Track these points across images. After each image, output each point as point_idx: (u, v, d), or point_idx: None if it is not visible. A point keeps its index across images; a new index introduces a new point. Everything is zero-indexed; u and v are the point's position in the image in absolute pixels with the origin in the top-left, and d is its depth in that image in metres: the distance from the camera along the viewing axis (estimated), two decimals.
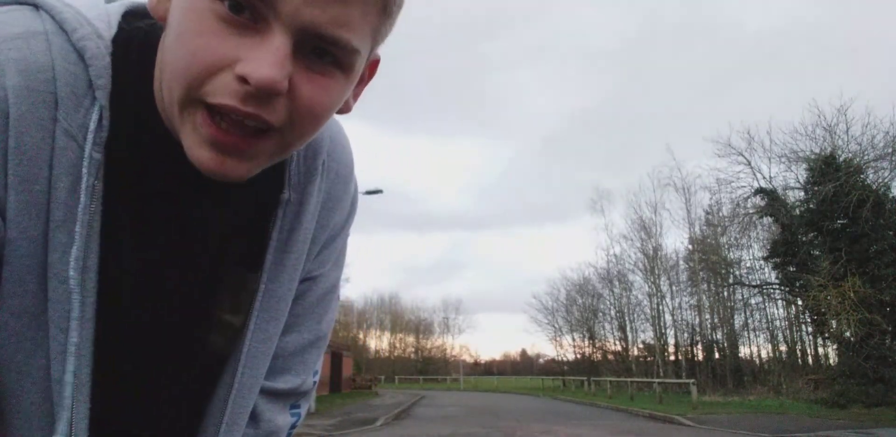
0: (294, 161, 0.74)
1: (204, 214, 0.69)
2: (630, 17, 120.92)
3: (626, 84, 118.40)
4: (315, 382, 0.90)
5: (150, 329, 0.69)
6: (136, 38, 0.66)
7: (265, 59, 0.53)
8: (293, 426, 0.88)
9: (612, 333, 45.97)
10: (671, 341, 39.17)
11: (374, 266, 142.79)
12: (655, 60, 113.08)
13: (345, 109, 0.67)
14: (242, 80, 0.53)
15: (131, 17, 0.68)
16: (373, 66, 0.68)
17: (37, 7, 0.63)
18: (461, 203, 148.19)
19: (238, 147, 0.57)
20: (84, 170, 0.59)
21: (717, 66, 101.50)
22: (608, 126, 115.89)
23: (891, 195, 21.46)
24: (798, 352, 31.85)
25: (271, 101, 0.55)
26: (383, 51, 0.67)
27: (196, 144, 0.57)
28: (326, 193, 0.80)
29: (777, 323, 33.68)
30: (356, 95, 0.69)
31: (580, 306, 49.11)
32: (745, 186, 26.71)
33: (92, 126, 0.59)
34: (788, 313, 31.91)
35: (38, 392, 0.61)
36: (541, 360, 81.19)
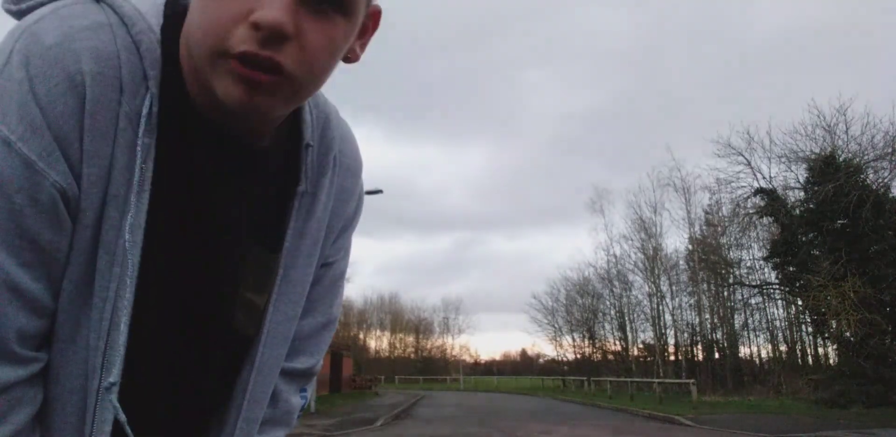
0: (309, 157, 0.81)
1: (233, 195, 0.75)
2: (640, 18, 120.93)
3: (633, 84, 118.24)
4: (321, 365, 0.97)
5: (182, 303, 0.74)
6: (173, 25, 0.71)
7: (273, 5, 0.60)
8: (302, 408, 0.95)
9: (612, 333, 46.04)
10: (671, 341, 39.23)
11: (375, 266, 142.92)
12: (662, 60, 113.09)
13: (353, 58, 0.74)
14: (256, 26, 0.61)
15: (172, 2, 0.74)
16: (375, 17, 0.75)
17: (97, 0, 0.69)
18: (465, 203, 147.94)
19: (262, 82, 0.63)
20: (138, 151, 0.65)
21: (720, 66, 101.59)
22: (614, 126, 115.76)
23: (891, 195, 21.46)
24: (798, 352, 31.90)
25: (283, 45, 0.62)
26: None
27: (229, 85, 0.63)
28: (339, 186, 0.87)
29: (777, 323, 33.77)
30: (362, 46, 0.75)
31: (580, 306, 49.17)
32: (745, 186, 26.73)
33: (144, 112, 0.66)
34: (788, 313, 31.95)
35: (79, 363, 0.66)
36: (541, 360, 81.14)
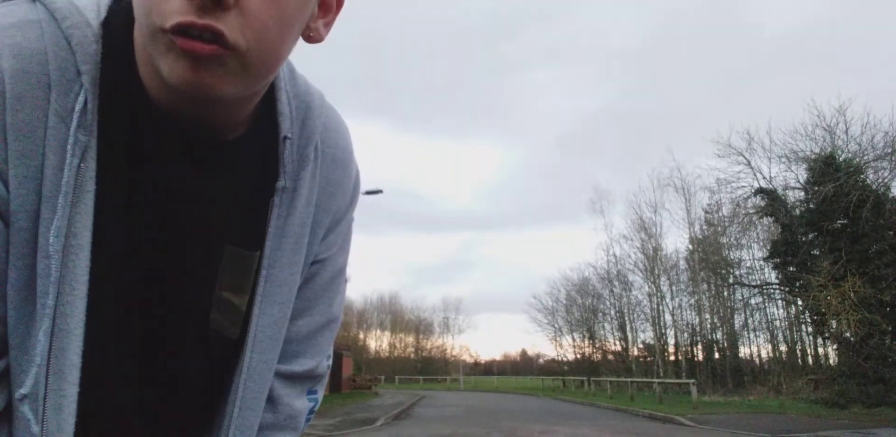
0: (288, 150, 0.76)
1: (200, 191, 0.72)
2: (649, 18, 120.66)
3: (636, 84, 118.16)
4: (328, 365, 0.92)
5: (148, 304, 0.71)
6: (121, 17, 0.68)
7: None
8: (311, 411, 0.90)
9: (612, 333, 46.04)
10: (671, 341, 39.21)
11: (375, 266, 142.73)
12: (665, 61, 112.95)
13: (316, 37, 0.69)
14: None
15: None
16: None
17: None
18: (466, 203, 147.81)
19: (206, 54, 0.58)
20: (69, 149, 0.62)
21: (721, 66, 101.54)
22: (616, 126, 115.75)
23: (891, 195, 21.44)
24: (798, 352, 31.85)
25: (222, 12, 0.57)
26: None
27: (171, 62, 0.58)
28: (325, 179, 0.82)
29: (777, 323, 33.71)
30: (327, 25, 0.71)
31: (580, 306, 49.17)
32: (745, 187, 26.74)
33: (77, 108, 0.63)
34: (788, 313, 31.92)
35: (32, 370, 0.63)
36: (541, 360, 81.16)
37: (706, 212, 36.17)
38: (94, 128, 0.64)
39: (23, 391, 0.62)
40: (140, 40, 0.63)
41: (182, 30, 0.56)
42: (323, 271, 0.87)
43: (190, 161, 0.70)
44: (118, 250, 0.67)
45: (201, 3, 0.56)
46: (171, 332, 0.73)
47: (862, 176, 21.71)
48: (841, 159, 22.40)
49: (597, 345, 47.82)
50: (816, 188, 22.13)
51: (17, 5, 0.66)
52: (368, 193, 19.79)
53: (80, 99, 0.63)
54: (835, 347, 23.52)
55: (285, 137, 0.75)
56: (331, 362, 0.93)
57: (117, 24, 0.68)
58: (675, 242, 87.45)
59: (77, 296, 0.63)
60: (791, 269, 24.23)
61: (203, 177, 0.71)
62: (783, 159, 25.53)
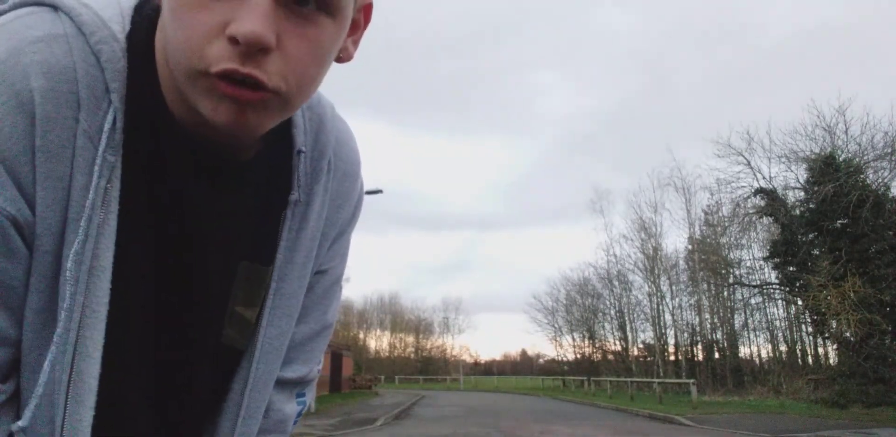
0: (302, 163, 0.76)
1: (218, 210, 0.72)
2: (650, 19, 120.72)
3: (638, 85, 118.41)
4: (319, 370, 0.93)
5: (165, 324, 0.70)
6: (143, 31, 0.67)
7: (248, 16, 0.55)
8: (299, 414, 0.91)
9: (612, 333, 46.03)
10: (671, 341, 39.23)
11: (375, 266, 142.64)
12: (667, 62, 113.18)
13: (346, 57, 0.69)
14: (234, 41, 0.55)
15: (140, 7, 0.69)
16: (366, 11, 0.70)
17: (55, 8, 0.64)
18: (467, 203, 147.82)
19: (251, 99, 0.58)
20: (96, 169, 0.61)
21: (721, 67, 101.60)
22: (617, 127, 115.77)
23: (890, 195, 21.45)
24: (798, 352, 31.88)
25: (264, 59, 0.57)
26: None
27: (215, 104, 0.59)
28: (335, 192, 0.83)
29: (777, 323, 33.75)
30: (355, 43, 0.71)
31: (580, 306, 49.16)
32: (745, 187, 26.74)
33: (106, 127, 0.61)
34: (788, 313, 31.92)
35: (47, 395, 0.62)
36: (541, 360, 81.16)
37: (706, 212, 36.23)
38: (120, 147, 0.62)
39: (20, 423, 0.60)
40: (174, 74, 0.61)
41: (226, 76, 0.57)
42: (323, 280, 0.87)
43: (208, 179, 0.70)
44: (137, 271, 0.66)
45: (246, 50, 0.56)
46: (186, 350, 0.73)
47: (862, 176, 21.71)
48: (841, 159, 22.40)
49: (597, 345, 47.85)
50: (816, 188, 22.12)
51: (38, 15, 0.63)
52: (369, 193, 19.76)
53: (109, 117, 0.61)
54: (835, 347, 23.53)
55: (299, 151, 0.75)
56: (320, 366, 0.93)
57: (141, 38, 0.66)
58: (675, 242, 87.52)
59: (98, 318, 0.62)
60: (791, 269, 24.22)
61: (220, 194, 0.71)
62: (783, 159, 25.57)
